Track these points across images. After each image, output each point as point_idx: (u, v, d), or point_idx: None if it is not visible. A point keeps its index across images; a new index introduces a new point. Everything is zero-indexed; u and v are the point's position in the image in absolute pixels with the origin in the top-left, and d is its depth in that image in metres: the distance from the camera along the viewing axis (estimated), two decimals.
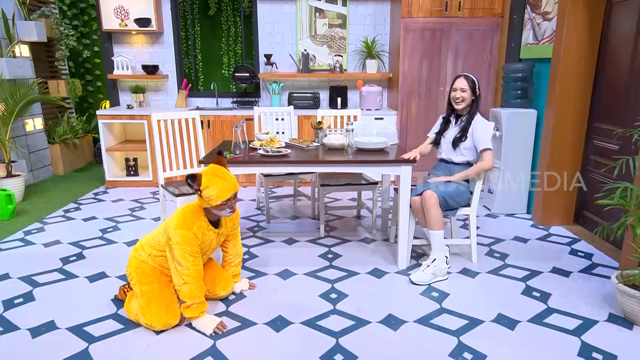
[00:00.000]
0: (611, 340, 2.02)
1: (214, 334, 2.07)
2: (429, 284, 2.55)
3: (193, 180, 2.03)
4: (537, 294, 2.44)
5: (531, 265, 2.80)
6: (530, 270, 2.73)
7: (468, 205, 2.74)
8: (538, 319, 2.19)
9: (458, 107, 2.71)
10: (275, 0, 4.71)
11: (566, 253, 3.00)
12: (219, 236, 2.25)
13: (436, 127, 2.90)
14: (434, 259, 2.58)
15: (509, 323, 2.16)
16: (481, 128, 2.67)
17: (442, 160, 2.86)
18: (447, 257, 2.62)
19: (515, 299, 2.39)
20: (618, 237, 2.59)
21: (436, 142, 2.86)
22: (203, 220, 2.14)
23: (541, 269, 2.76)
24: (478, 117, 2.71)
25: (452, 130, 2.78)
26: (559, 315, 2.23)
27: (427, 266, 2.57)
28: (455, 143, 2.73)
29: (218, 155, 2.18)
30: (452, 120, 2.82)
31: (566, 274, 2.69)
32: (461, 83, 2.69)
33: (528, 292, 2.47)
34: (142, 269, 2.16)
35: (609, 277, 2.63)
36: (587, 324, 2.16)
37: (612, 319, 2.20)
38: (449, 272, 2.68)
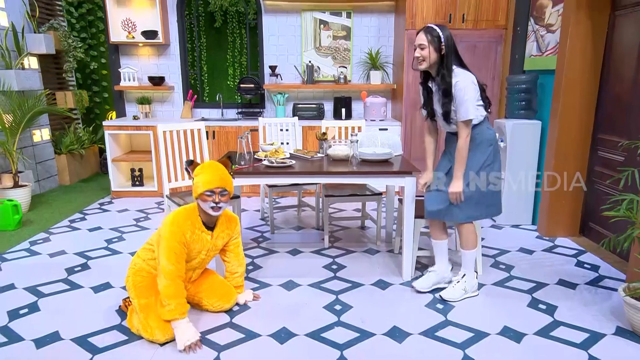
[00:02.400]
0: (619, 354, 2.00)
1: (183, 351, 2.00)
2: (462, 299, 2.47)
3: (190, 164, 2.20)
4: (543, 307, 2.42)
5: (537, 277, 2.78)
6: (536, 282, 2.71)
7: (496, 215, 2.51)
8: (544, 332, 2.17)
9: (420, 67, 2.26)
10: (281, 13, 4.77)
11: (572, 265, 2.97)
12: (213, 240, 2.25)
13: (422, 100, 2.50)
14: (464, 275, 2.48)
15: (515, 336, 2.14)
16: (460, 100, 2.20)
17: (450, 134, 2.46)
18: (476, 273, 2.49)
19: (521, 312, 2.37)
20: (624, 250, 2.57)
21: (432, 118, 2.46)
22: (197, 220, 2.16)
23: (547, 281, 2.73)
24: (460, 80, 2.20)
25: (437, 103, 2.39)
26: (566, 328, 2.21)
27: (457, 282, 2.47)
28: (446, 118, 2.30)
29: (226, 158, 2.29)
30: (432, 87, 2.36)
31: (572, 286, 2.67)
32: (419, 38, 2.20)
33: (534, 304, 2.45)
34: (139, 282, 2.17)
35: (616, 290, 2.61)
36: (595, 337, 2.13)
37: (620, 332, 2.17)
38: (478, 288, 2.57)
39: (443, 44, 2.19)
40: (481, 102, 2.31)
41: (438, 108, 2.35)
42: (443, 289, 2.54)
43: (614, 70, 3.10)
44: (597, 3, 3.10)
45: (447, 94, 2.23)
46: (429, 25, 2.23)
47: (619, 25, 3.05)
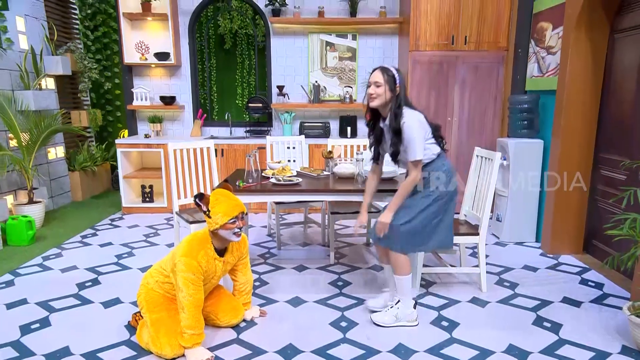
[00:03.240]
0: None
1: None
2: (394, 325, 2.40)
3: (201, 199, 2.13)
4: (548, 325, 2.42)
5: (541, 294, 2.79)
6: (540, 300, 2.72)
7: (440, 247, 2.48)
8: (550, 350, 2.17)
9: (372, 104, 2.28)
10: (288, 35, 4.92)
11: (576, 282, 2.98)
12: (225, 265, 2.29)
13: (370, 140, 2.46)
14: (398, 301, 2.40)
15: (520, 354, 2.14)
16: (408, 141, 2.22)
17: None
18: (415, 302, 2.42)
19: (526, 330, 2.37)
20: (629, 268, 2.58)
21: (377, 159, 2.45)
22: (210, 249, 2.18)
23: (551, 298, 2.74)
24: (407, 120, 2.22)
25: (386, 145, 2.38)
26: (571, 346, 2.21)
27: (391, 307, 2.41)
28: (394, 158, 2.30)
29: (224, 182, 2.31)
30: (383, 127, 2.36)
31: (577, 304, 2.67)
32: (375, 76, 2.25)
33: (539, 322, 2.45)
34: (151, 297, 2.21)
35: (620, 308, 2.60)
36: (600, 356, 2.13)
37: (626, 351, 2.17)
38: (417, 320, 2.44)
39: (398, 84, 2.25)
40: (432, 140, 2.34)
41: (387, 148, 2.37)
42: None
43: (614, 90, 3.16)
44: (596, 26, 3.18)
45: (398, 134, 2.25)
46: (384, 65, 2.30)
47: (618, 48, 3.13)
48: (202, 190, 3.42)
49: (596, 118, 3.32)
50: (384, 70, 2.26)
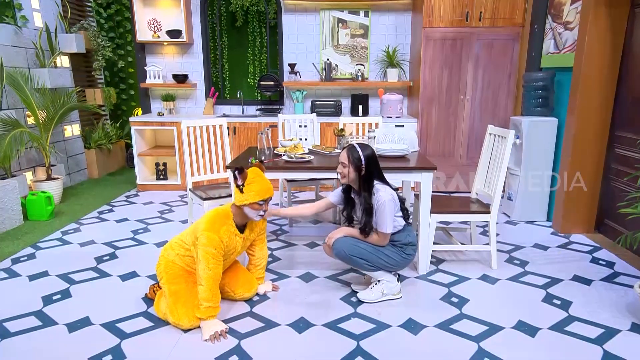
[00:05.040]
0: (634, 350, 2.01)
1: (207, 341, 2.08)
2: (380, 300, 2.46)
3: (240, 172, 2.18)
4: (558, 302, 2.44)
5: (551, 272, 2.80)
6: (550, 278, 2.73)
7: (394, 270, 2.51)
8: (559, 327, 2.20)
9: (341, 181, 2.39)
10: (300, 12, 4.85)
11: (587, 261, 2.98)
12: (244, 241, 2.34)
13: (337, 197, 2.52)
14: (379, 280, 2.47)
15: (529, 330, 2.17)
16: (380, 214, 2.30)
17: None
18: (397, 276, 2.53)
19: (536, 306, 2.39)
20: None
21: (350, 222, 2.53)
22: (231, 225, 2.24)
23: (562, 276, 2.75)
24: (381, 196, 2.29)
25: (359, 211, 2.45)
26: (581, 323, 2.23)
27: (375, 284, 2.47)
28: (363, 231, 2.38)
29: (259, 162, 2.35)
30: (355, 199, 2.45)
31: (587, 282, 2.68)
32: (342, 157, 2.33)
33: (548, 299, 2.47)
34: (170, 269, 2.27)
35: (631, 286, 2.61)
36: (610, 332, 2.15)
37: (636, 328, 2.18)
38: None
39: (363, 165, 2.29)
40: (400, 214, 2.41)
41: (356, 217, 2.46)
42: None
43: (632, 67, 3.08)
44: (616, 0, 3.08)
45: (369, 213, 2.33)
46: (353, 145, 2.34)
47: (638, 22, 3.03)
48: (215, 168, 3.47)
49: (613, 96, 3.25)
50: (351, 150, 2.32)
